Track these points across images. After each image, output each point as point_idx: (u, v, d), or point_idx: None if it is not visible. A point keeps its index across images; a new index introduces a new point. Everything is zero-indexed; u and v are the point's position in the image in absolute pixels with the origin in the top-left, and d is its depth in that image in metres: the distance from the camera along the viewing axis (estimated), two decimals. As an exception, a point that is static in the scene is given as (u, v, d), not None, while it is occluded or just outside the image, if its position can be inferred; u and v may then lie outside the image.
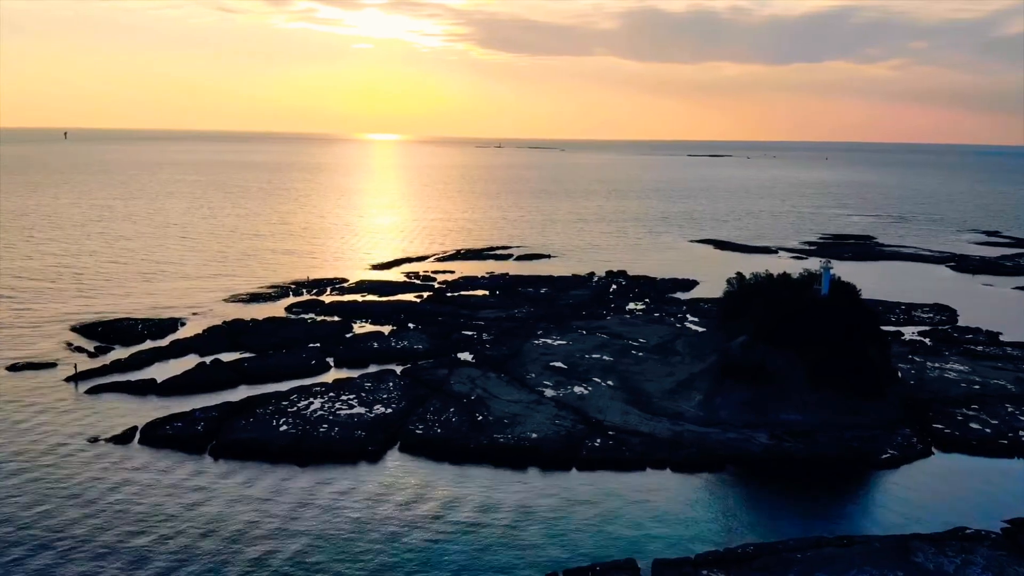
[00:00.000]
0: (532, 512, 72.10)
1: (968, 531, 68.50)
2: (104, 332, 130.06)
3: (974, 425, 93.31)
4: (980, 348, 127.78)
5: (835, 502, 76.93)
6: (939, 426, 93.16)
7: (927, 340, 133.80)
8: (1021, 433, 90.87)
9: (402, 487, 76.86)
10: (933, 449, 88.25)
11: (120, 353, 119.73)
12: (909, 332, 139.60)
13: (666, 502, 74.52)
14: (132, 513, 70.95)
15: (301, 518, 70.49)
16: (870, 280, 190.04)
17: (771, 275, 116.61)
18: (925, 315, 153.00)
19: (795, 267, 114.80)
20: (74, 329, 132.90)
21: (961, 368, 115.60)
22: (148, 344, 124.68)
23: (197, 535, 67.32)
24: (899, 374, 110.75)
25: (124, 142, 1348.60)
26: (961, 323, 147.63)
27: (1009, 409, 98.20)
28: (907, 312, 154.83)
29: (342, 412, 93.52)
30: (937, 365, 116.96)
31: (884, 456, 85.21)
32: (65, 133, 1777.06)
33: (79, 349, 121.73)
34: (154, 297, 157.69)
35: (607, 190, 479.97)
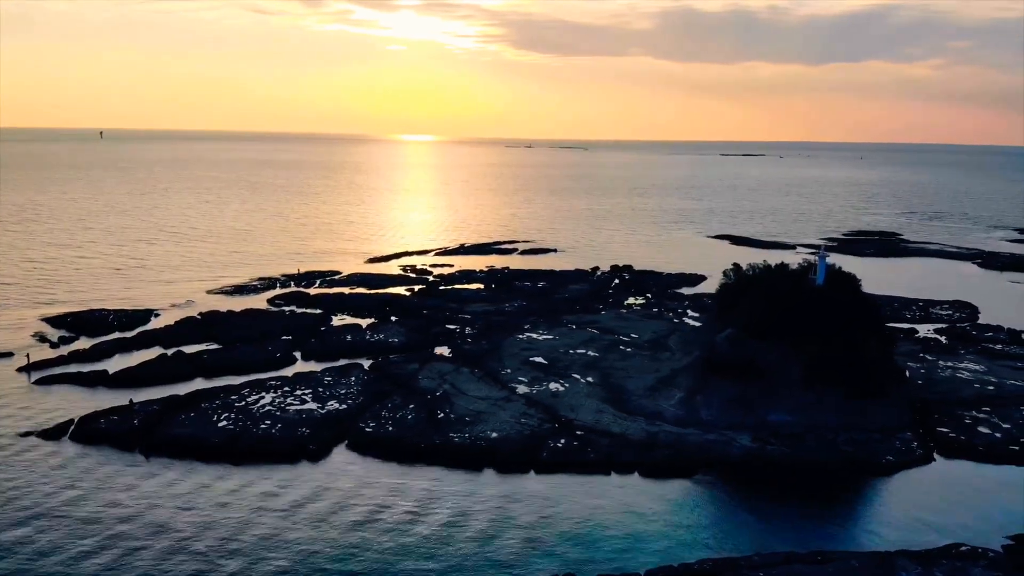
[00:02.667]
0: (467, 518, 65.02)
1: (964, 548, 60.36)
2: (73, 323, 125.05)
3: (983, 429, 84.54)
4: (999, 347, 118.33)
5: (816, 513, 68.75)
6: (944, 430, 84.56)
7: (942, 338, 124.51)
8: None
9: (334, 490, 70.09)
10: (935, 455, 79.76)
11: (83, 344, 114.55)
12: (924, 329, 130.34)
13: (623, 510, 66.98)
14: (33, 511, 64.98)
15: (214, 523, 63.99)
16: (890, 276, 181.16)
17: (769, 266, 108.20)
18: (944, 312, 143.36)
19: (804, 259, 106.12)
20: (45, 319, 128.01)
21: (976, 368, 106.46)
22: (115, 335, 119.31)
23: (99, 539, 61.12)
24: (907, 373, 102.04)
25: (157, 141, 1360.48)
26: (982, 320, 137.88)
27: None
28: (924, 309, 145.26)
29: (292, 408, 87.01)
30: (950, 364, 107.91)
31: (879, 462, 76.90)
32: (101, 133, 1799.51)
33: (44, 339, 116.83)
34: (136, 289, 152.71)
35: (628, 188, 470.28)
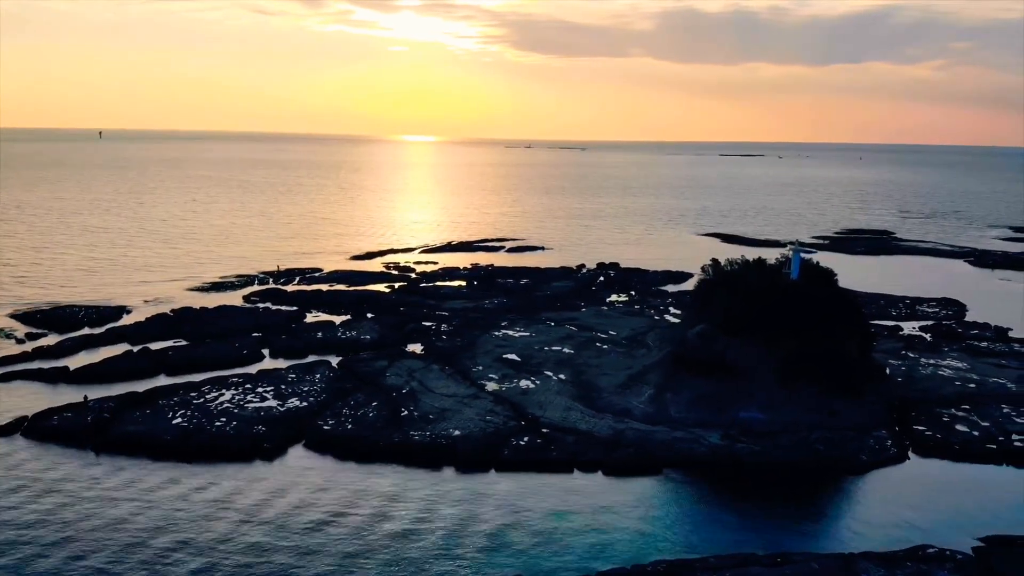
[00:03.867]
0: (426, 519, 62.61)
1: (932, 550, 57.97)
2: (42, 319, 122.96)
3: (961, 427, 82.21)
4: (984, 344, 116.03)
5: (783, 514, 66.51)
6: (921, 428, 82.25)
7: (927, 335, 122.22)
8: (1014, 437, 79.66)
9: (285, 488, 67.77)
10: (910, 453, 77.44)
11: (49, 340, 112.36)
12: (909, 327, 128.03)
13: (581, 510, 64.63)
14: (-30, 513, 62.68)
15: (161, 520, 61.73)
16: (878, 273, 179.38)
17: (747, 260, 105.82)
18: (930, 309, 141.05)
19: (782, 254, 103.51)
20: (14, 316, 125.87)
21: (959, 365, 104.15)
22: (84, 331, 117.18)
23: (45, 539, 58.85)
24: (887, 370, 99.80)
25: (156, 142, 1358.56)
26: (969, 318, 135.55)
27: (1004, 410, 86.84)
28: (911, 306, 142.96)
29: (250, 405, 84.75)
30: (932, 362, 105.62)
31: (851, 461, 74.59)
32: (100, 133, 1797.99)
33: (10, 336, 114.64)
34: (110, 286, 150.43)
35: (621, 187, 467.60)
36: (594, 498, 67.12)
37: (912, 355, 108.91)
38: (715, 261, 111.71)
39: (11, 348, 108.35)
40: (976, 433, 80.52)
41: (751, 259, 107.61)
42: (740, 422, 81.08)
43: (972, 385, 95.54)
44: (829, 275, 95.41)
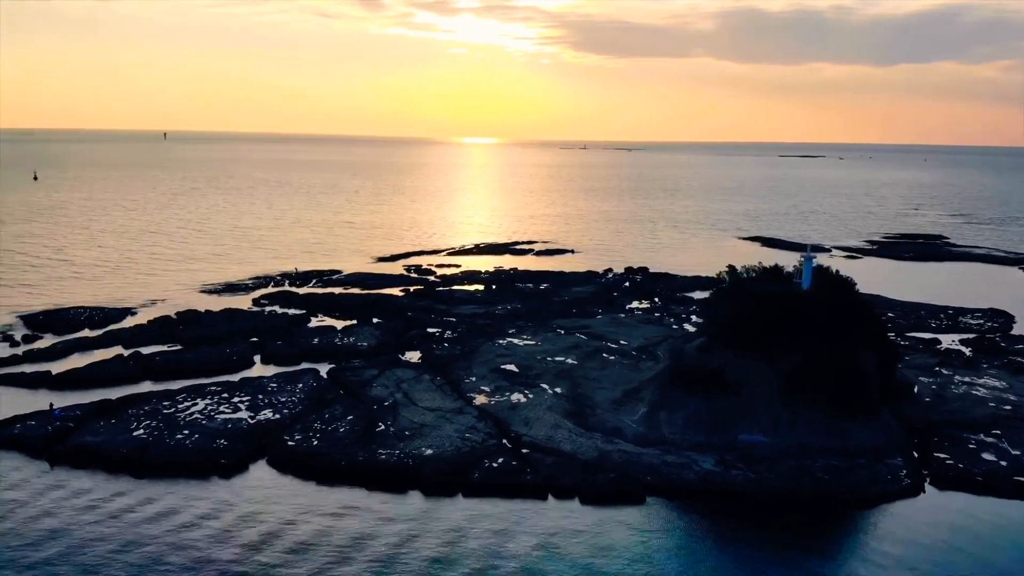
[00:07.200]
0: (361, 549, 57.36)
1: (934, 602, 50.72)
2: (44, 320, 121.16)
3: (987, 456, 74.14)
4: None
5: (775, 552, 59.61)
6: (942, 455, 74.36)
7: (966, 349, 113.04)
8: (1047, 469, 71.28)
9: (229, 511, 63.09)
10: (926, 485, 69.72)
11: (44, 343, 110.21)
12: (948, 340, 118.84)
13: (546, 544, 58.67)
14: None
15: (96, 539, 57.70)
16: (923, 281, 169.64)
17: (764, 267, 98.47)
18: (974, 321, 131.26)
19: (799, 259, 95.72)
20: (19, 316, 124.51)
21: (996, 384, 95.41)
22: (80, 334, 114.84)
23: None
24: (915, 388, 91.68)
25: (217, 143, 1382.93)
26: (1017, 331, 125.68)
27: (1040, 437, 78.29)
28: (953, 317, 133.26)
29: (220, 416, 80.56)
30: (967, 379, 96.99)
31: (858, 493, 67.26)
32: (165, 134, 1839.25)
33: (7, 337, 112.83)
34: (123, 286, 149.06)
35: (667, 189, 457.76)
36: (562, 529, 61.12)
37: (946, 371, 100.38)
38: (731, 268, 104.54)
39: (2, 351, 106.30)
40: (1004, 463, 72.40)
41: (768, 266, 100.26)
42: (740, 445, 74.21)
43: (1008, 407, 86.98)
44: (847, 284, 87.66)
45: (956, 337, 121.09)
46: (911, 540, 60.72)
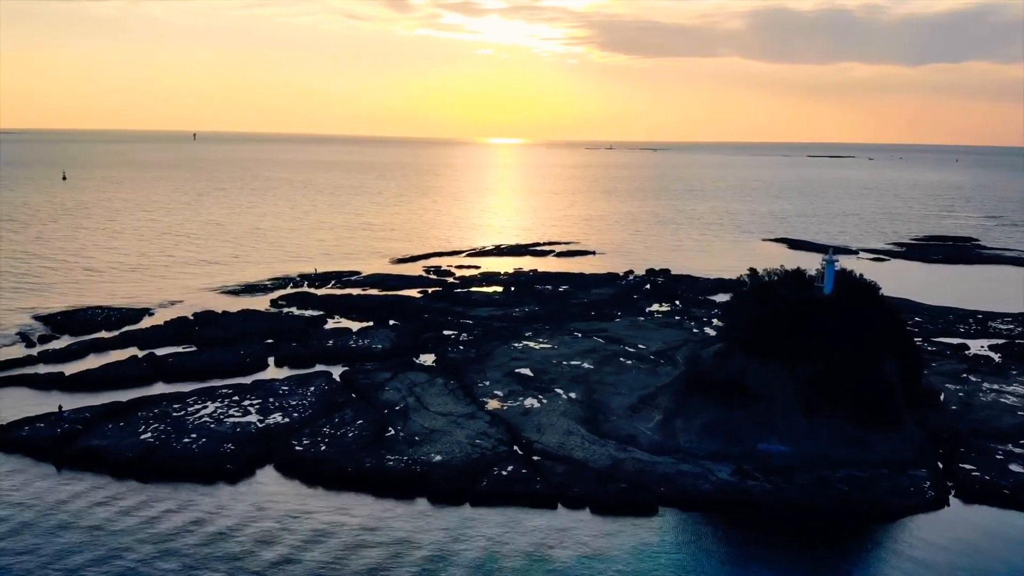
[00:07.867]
0: (358, 557, 56.04)
1: (957, 623, 48.53)
2: (61, 321, 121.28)
3: (1015, 467, 71.52)
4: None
5: (792, 567, 57.58)
6: (968, 466, 71.81)
7: (995, 355, 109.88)
8: (1078, 482, 68.55)
9: (232, 517, 62.06)
10: (950, 498, 67.27)
11: (60, 343, 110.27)
12: (977, 345, 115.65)
13: (553, 558, 57.04)
14: None
15: (91, 543, 56.88)
16: (952, 284, 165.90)
17: (786, 271, 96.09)
18: (1004, 326, 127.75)
19: (822, 262, 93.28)
20: (37, 317, 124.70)
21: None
22: (97, 335, 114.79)
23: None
24: (941, 396, 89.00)
25: (245, 143, 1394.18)
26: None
27: (1072, 448, 75.48)
28: (982, 322, 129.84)
29: (229, 420, 79.71)
30: (996, 387, 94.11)
31: (879, 505, 64.97)
32: (195, 135, 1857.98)
33: (25, 338, 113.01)
34: (142, 286, 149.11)
35: (692, 190, 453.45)
36: (569, 540, 59.48)
37: (974, 378, 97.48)
38: (752, 271, 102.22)
39: (20, 351, 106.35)
40: (1033, 476, 69.75)
41: (791, 269, 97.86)
42: (758, 454, 72.13)
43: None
44: (871, 288, 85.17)
45: (985, 343, 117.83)
46: (934, 556, 58.42)
